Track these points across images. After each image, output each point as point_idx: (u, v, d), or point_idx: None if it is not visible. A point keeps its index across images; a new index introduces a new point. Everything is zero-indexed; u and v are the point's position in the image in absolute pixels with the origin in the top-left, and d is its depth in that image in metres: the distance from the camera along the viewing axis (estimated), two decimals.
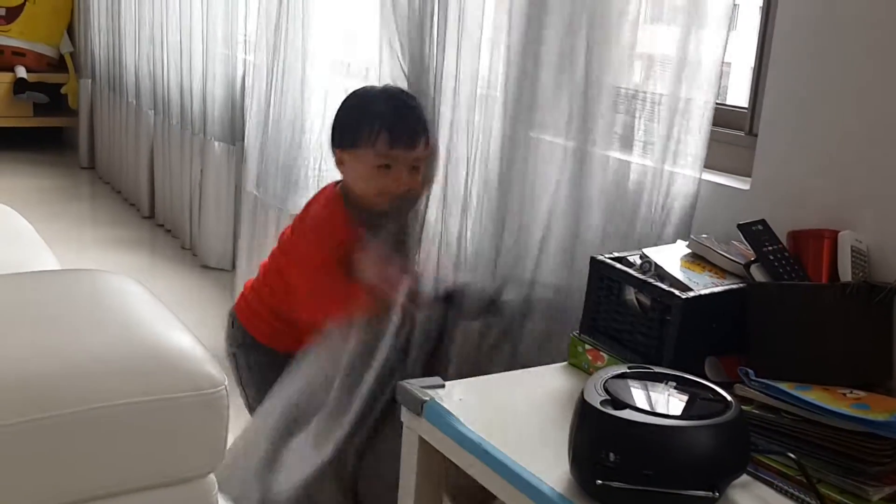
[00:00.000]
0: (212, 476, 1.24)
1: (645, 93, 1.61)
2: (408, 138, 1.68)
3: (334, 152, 1.74)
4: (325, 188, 1.81)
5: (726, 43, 1.54)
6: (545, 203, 1.82)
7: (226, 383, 1.20)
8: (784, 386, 1.21)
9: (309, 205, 1.80)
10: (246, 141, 3.04)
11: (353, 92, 1.77)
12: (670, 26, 1.57)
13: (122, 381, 1.15)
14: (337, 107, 1.77)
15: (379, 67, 2.00)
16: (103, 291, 1.39)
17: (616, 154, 1.69)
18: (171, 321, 1.32)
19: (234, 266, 3.46)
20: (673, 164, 1.59)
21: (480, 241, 1.94)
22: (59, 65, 5.63)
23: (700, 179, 1.60)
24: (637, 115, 1.63)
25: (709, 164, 1.69)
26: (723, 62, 1.54)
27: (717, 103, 1.78)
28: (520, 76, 1.85)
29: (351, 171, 1.71)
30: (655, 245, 1.59)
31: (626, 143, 1.66)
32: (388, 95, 1.74)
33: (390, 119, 1.67)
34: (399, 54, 1.87)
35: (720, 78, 1.55)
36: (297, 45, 2.58)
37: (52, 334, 1.23)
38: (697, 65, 1.54)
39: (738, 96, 1.74)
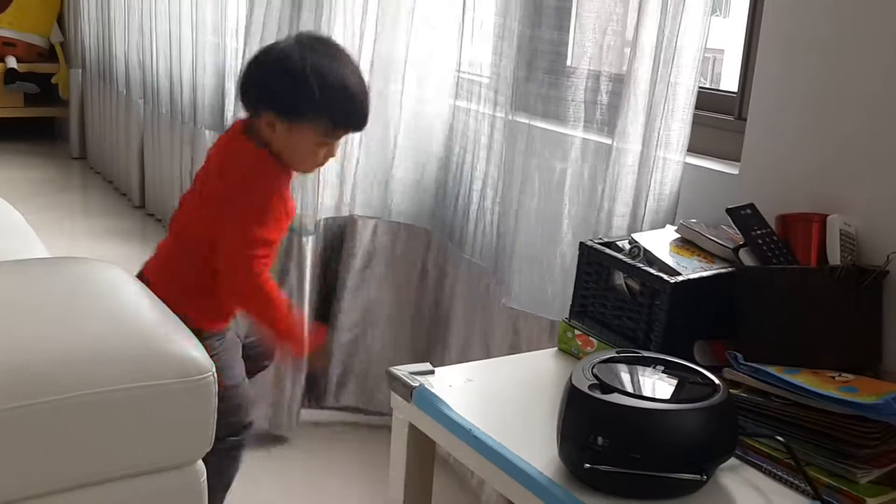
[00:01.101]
0: (200, 462, 1.24)
1: (627, 76, 1.61)
2: (359, 122, 1.63)
3: (260, 113, 1.59)
4: (241, 143, 1.64)
5: (708, 27, 1.54)
6: (530, 188, 1.83)
7: (213, 370, 1.20)
8: (772, 369, 1.21)
9: (234, 163, 1.64)
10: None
11: (283, 52, 1.59)
12: (653, 10, 1.56)
13: (109, 368, 1.15)
14: (259, 61, 1.62)
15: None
16: (90, 279, 1.38)
17: (599, 138, 1.69)
18: (159, 308, 1.31)
19: None
20: (656, 148, 1.59)
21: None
22: (49, 55, 5.60)
23: (684, 163, 1.60)
24: (619, 98, 1.63)
25: (698, 149, 1.69)
26: (704, 46, 1.54)
27: (707, 88, 1.79)
28: (502, 60, 1.86)
29: (285, 142, 1.59)
30: (641, 230, 1.59)
31: (609, 128, 1.66)
32: (345, 70, 1.59)
33: (348, 104, 1.58)
34: None
35: (701, 62, 1.55)
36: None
37: (39, 322, 1.22)
38: (680, 49, 1.54)
39: (731, 83, 1.74)
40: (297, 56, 1.58)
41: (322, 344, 1.72)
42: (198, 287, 1.65)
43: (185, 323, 1.59)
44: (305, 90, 1.55)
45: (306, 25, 2.15)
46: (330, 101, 1.57)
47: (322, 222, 2.25)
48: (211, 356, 1.63)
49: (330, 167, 2.09)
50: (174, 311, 1.55)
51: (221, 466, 1.71)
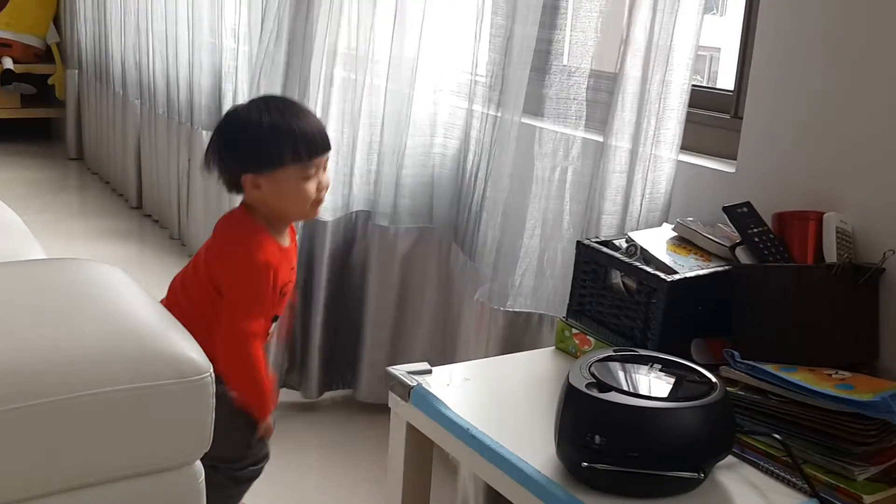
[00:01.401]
0: (198, 463, 1.23)
1: (621, 75, 1.61)
2: (321, 140, 1.64)
3: (241, 179, 1.63)
4: (234, 214, 1.69)
5: (700, 24, 1.54)
6: (518, 181, 1.83)
7: (210, 370, 1.20)
8: (769, 367, 1.21)
9: (222, 233, 1.69)
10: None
11: (236, 114, 1.67)
12: (646, 8, 1.57)
13: (106, 369, 1.15)
14: (225, 132, 1.67)
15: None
16: (87, 280, 1.38)
17: (592, 136, 1.69)
18: (156, 309, 1.31)
19: None
20: (651, 146, 1.59)
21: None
22: (45, 55, 5.60)
23: (678, 161, 1.60)
24: (613, 97, 1.63)
25: (695, 148, 1.70)
26: (697, 44, 1.55)
27: (703, 87, 1.79)
28: (498, 60, 1.86)
29: (275, 193, 1.62)
30: (637, 228, 1.59)
31: (602, 126, 1.66)
32: (279, 105, 1.65)
33: (301, 129, 1.61)
34: None
35: (694, 60, 1.55)
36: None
37: (35, 323, 1.22)
38: (673, 47, 1.54)
39: (728, 81, 1.74)
40: (252, 113, 1.63)
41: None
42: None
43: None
44: (266, 140, 1.60)
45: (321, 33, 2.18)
46: (291, 140, 1.60)
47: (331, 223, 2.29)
48: (227, 396, 1.66)
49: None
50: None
51: (232, 493, 1.73)
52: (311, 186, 1.63)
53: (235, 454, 1.69)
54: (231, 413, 1.60)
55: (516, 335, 1.85)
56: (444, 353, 2.18)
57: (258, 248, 1.62)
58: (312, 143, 1.62)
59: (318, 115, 2.36)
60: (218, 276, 1.64)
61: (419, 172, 2.20)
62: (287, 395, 2.41)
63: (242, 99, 2.95)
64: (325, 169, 1.67)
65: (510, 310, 1.82)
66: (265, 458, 1.75)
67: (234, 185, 1.66)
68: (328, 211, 2.29)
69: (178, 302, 1.69)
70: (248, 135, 1.61)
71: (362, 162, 2.31)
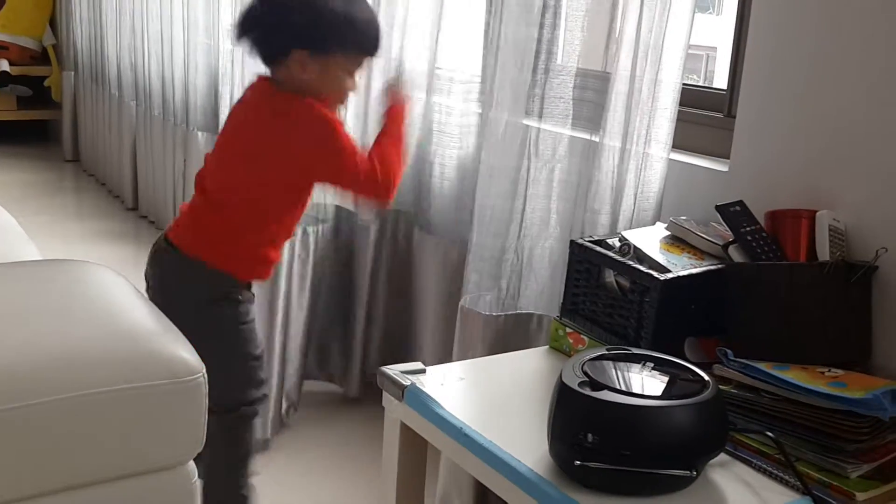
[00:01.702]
0: (191, 463, 1.24)
1: (612, 74, 1.61)
2: (378, 48, 1.64)
3: (288, 55, 1.58)
4: (282, 98, 1.62)
5: (692, 24, 1.54)
6: (508, 180, 1.83)
7: (203, 370, 1.20)
8: (762, 365, 1.21)
9: (287, 119, 1.61)
10: None
11: None
12: (637, 8, 1.57)
13: (99, 370, 1.15)
14: (274, 3, 1.60)
15: None
16: (81, 281, 1.38)
17: (583, 135, 1.69)
18: (149, 310, 1.31)
19: None
20: (641, 145, 1.59)
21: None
22: (41, 57, 5.59)
23: (669, 160, 1.60)
24: (604, 96, 1.63)
25: (689, 146, 1.70)
26: (688, 43, 1.55)
27: (696, 86, 1.79)
28: (487, 59, 1.86)
29: (319, 78, 1.59)
30: (629, 227, 1.60)
31: (594, 125, 1.66)
32: (360, 2, 1.63)
33: (370, 24, 1.60)
34: None
35: (685, 59, 1.56)
36: None
37: (29, 324, 1.22)
38: (665, 46, 1.55)
39: (725, 81, 1.75)
40: None
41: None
42: (244, 243, 1.67)
43: (231, 279, 1.65)
44: (333, 22, 1.57)
45: None
46: (355, 30, 1.59)
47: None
48: (243, 322, 1.67)
49: None
50: (218, 270, 1.63)
51: (237, 436, 1.73)
52: (351, 82, 1.63)
53: (243, 387, 1.69)
54: (238, 341, 1.65)
55: (507, 337, 1.85)
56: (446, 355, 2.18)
57: (321, 112, 1.60)
58: (375, 42, 1.62)
59: None
60: (304, 160, 1.61)
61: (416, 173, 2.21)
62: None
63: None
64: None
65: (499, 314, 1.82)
66: (264, 396, 1.75)
67: (272, 58, 1.62)
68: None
69: (222, 203, 1.67)
70: (316, 13, 1.57)
71: None
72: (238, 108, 1.71)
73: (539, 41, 1.75)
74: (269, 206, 1.67)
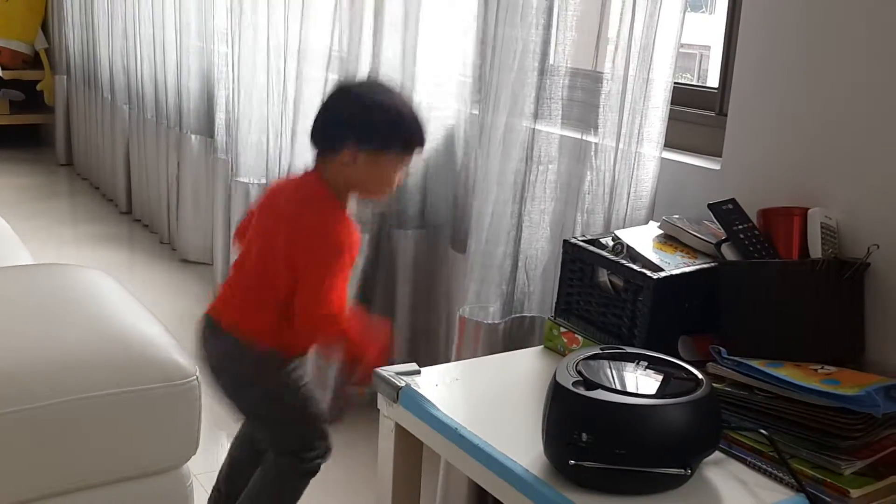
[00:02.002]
0: (186, 466, 1.24)
1: (603, 73, 1.61)
2: (425, 136, 1.68)
3: (339, 151, 1.63)
4: (309, 186, 1.68)
5: (683, 23, 1.54)
6: (507, 184, 1.84)
7: (197, 374, 1.20)
8: (756, 363, 1.22)
9: (299, 207, 1.67)
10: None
11: (351, 91, 1.71)
12: (629, 7, 1.57)
13: (93, 374, 1.15)
14: (332, 104, 1.68)
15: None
16: (74, 285, 1.38)
17: (575, 135, 1.70)
18: (142, 314, 1.31)
19: (213, 260, 3.44)
20: (633, 144, 1.60)
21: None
22: (34, 61, 5.59)
23: (661, 159, 1.60)
24: (596, 95, 1.63)
25: (681, 145, 1.70)
26: (679, 42, 1.55)
27: (688, 85, 1.79)
28: (481, 60, 1.86)
29: (366, 172, 1.63)
30: (622, 226, 1.60)
31: (586, 124, 1.66)
32: (393, 93, 1.70)
33: (416, 122, 1.65)
34: None
35: (676, 58, 1.56)
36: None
37: (22, 328, 1.22)
38: (656, 45, 1.55)
39: (717, 79, 1.75)
40: (369, 93, 1.68)
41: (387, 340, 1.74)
42: (279, 321, 1.66)
43: (273, 356, 1.63)
44: (384, 119, 1.63)
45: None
46: (404, 127, 1.64)
47: None
48: (300, 386, 1.67)
49: None
50: (259, 348, 1.61)
51: (289, 484, 1.74)
52: (398, 175, 1.66)
53: (305, 442, 1.70)
54: (302, 400, 1.65)
55: (503, 339, 1.85)
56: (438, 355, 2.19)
57: (343, 230, 1.62)
58: (421, 138, 1.66)
59: None
60: (296, 254, 1.61)
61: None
62: None
63: (236, 104, 2.95)
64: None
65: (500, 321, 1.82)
66: (328, 450, 1.75)
67: (325, 153, 1.66)
68: None
69: (250, 284, 1.68)
70: (368, 110, 1.63)
71: None
72: (275, 191, 1.76)
73: (531, 42, 1.75)
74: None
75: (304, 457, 1.71)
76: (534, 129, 1.77)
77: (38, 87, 5.54)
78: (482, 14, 1.90)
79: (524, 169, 1.78)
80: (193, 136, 3.54)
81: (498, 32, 1.80)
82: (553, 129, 1.73)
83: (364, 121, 1.63)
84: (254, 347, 1.63)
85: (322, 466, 1.75)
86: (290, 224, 1.65)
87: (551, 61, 1.73)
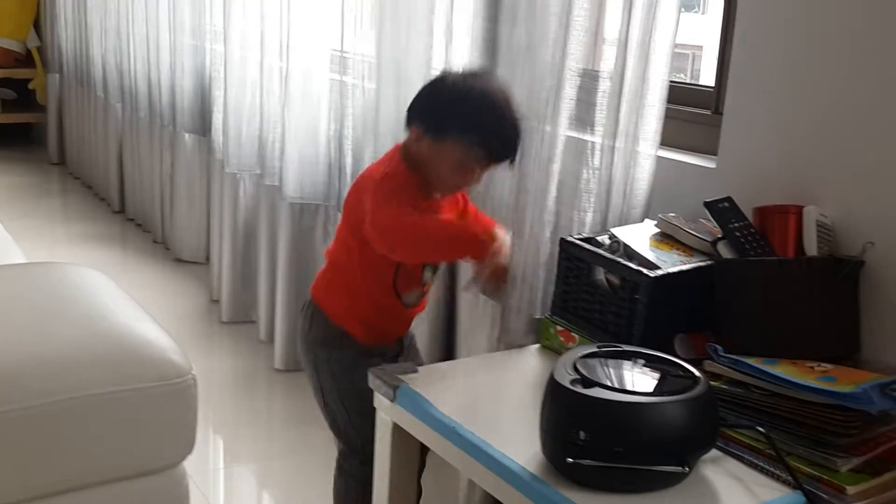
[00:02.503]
0: (183, 465, 1.23)
1: (599, 72, 1.61)
2: (505, 157, 1.61)
3: (411, 130, 1.62)
4: (386, 156, 1.68)
5: (678, 21, 1.54)
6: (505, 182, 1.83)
7: (192, 372, 1.20)
8: (752, 361, 1.22)
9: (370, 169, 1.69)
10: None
11: (459, 79, 1.63)
12: (624, 6, 1.57)
13: (87, 373, 1.14)
14: (431, 84, 1.65)
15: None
16: (68, 284, 1.38)
17: (572, 133, 1.69)
18: (137, 312, 1.31)
19: (207, 259, 3.44)
20: (629, 142, 1.60)
21: None
22: (26, 60, 5.57)
23: (657, 157, 1.60)
24: (592, 94, 1.63)
25: (677, 144, 1.70)
26: (674, 41, 1.55)
27: (684, 83, 1.79)
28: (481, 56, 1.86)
29: (428, 156, 1.59)
30: (619, 224, 1.60)
31: (583, 123, 1.66)
32: (499, 101, 1.59)
33: (497, 135, 1.57)
34: None
35: (672, 57, 1.56)
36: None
37: (17, 327, 1.22)
38: (652, 44, 1.55)
39: (711, 78, 1.75)
40: (460, 82, 1.61)
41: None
42: (361, 305, 1.65)
43: (355, 342, 1.63)
44: (455, 110, 1.57)
45: None
46: (478, 127, 1.56)
47: None
48: (359, 384, 1.60)
49: None
50: (347, 333, 1.61)
51: (352, 486, 1.71)
52: (466, 177, 1.60)
53: (352, 441, 1.67)
54: (352, 398, 1.61)
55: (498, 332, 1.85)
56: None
57: (400, 171, 1.58)
58: (501, 146, 1.58)
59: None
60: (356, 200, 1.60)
61: None
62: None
63: (235, 101, 2.95)
64: (487, 171, 1.63)
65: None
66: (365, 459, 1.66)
67: (407, 124, 1.63)
68: None
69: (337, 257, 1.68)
70: (439, 95, 1.59)
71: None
72: (363, 173, 1.74)
73: (526, 39, 1.75)
74: (352, 256, 1.64)
75: (349, 458, 1.67)
76: (544, 129, 1.77)
77: (31, 86, 5.52)
78: (476, 13, 1.89)
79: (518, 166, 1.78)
80: (187, 135, 3.53)
81: (496, 31, 1.80)
82: (548, 127, 1.73)
83: (431, 102, 1.60)
84: (331, 327, 1.62)
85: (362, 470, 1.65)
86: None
87: (546, 59, 1.73)
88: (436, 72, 2.06)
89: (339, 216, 1.76)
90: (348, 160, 2.42)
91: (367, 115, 2.23)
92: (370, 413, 1.41)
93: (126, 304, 1.31)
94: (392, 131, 2.16)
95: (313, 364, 1.66)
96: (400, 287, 1.64)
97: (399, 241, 1.55)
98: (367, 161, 2.24)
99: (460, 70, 1.68)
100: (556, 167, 1.73)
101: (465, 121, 1.56)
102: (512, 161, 1.62)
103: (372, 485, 1.44)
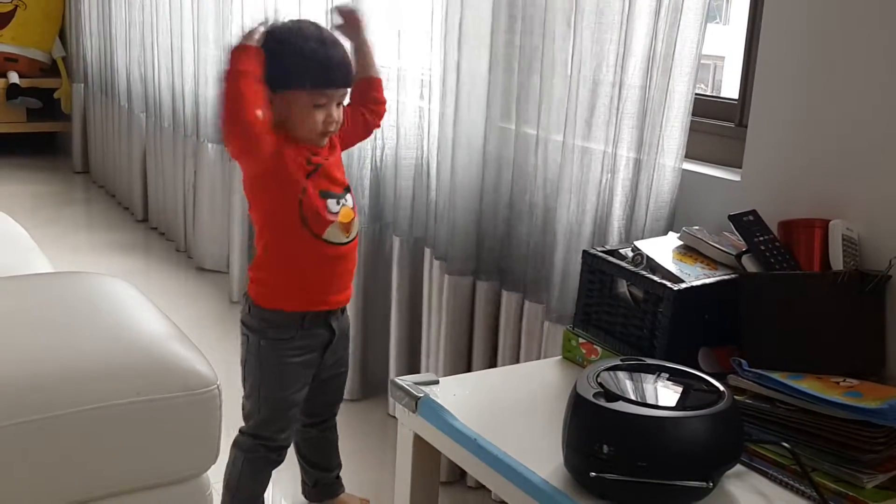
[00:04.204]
0: (206, 475, 1.24)
1: (625, 84, 1.61)
2: (339, 74, 1.65)
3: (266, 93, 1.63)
4: None
5: (703, 34, 1.54)
6: (527, 193, 1.83)
7: (217, 383, 1.20)
8: (777, 375, 1.21)
9: None
10: None
11: (269, 32, 1.65)
12: (649, 18, 1.57)
13: (113, 383, 1.15)
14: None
15: None
16: (94, 293, 1.39)
17: (596, 145, 1.69)
18: (163, 322, 1.32)
19: (230, 267, 3.45)
20: (653, 155, 1.59)
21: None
22: (51, 70, 5.62)
23: (682, 170, 1.60)
24: (617, 106, 1.63)
25: (700, 156, 1.70)
26: (700, 53, 1.55)
27: (708, 96, 1.79)
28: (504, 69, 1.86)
29: (285, 114, 1.64)
30: (642, 237, 1.59)
31: (606, 135, 1.66)
32: (311, 33, 1.65)
33: (321, 57, 1.63)
34: None
35: (698, 69, 1.56)
36: None
37: (43, 337, 1.23)
38: (676, 57, 1.55)
39: (732, 89, 1.75)
40: (275, 34, 1.64)
41: None
42: (289, 268, 1.70)
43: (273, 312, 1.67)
44: (282, 59, 1.62)
45: None
46: (304, 63, 1.62)
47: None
48: (280, 362, 1.67)
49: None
50: (281, 311, 1.66)
51: (238, 464, 1.73)
52: (319, 116, 1.64)
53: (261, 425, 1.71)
54: (271, 378, 1.65)
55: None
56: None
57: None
58: (326, 74, 1.63)
59: None
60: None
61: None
62: None
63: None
64: (339, 104, 1.67)
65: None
66: (280, 446, 1.75)
67: None
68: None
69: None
70: (271, 53, 1.62)
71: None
72: None
73: (552, 52, 1.75)
74: (260, 228, 1.71)
75: (254, 439, 1.70)
76: (552, 139, 1.77)
77: (56, 95, 5.57)
78: (499, 27, 1.89)
79: (542, 179, 1.78)
80: (210, 145, 3.55)
81: (521, 43, 1.80)
82: (572, 140, 1.73)
83: (266, 63, 1.62)
84: (263, 311, 1.67)
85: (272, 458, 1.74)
86: None
87: (570, 72, 1.73)
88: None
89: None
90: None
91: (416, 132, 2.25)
92: (280, 402, 1.64)
93: (151, 314, 1.32)
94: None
95: (245, 348, 1.71)
96: (311, 224, 1.66)
97: (225, 111, 1.59)
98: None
99: (277, 24, 1.69)
100: (580, 179, 1.73)
101: (281, 63, 1.61)
102: (347, 84, 1.66)
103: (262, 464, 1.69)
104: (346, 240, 1.70)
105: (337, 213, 1.68)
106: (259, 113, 1.56)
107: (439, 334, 2.13)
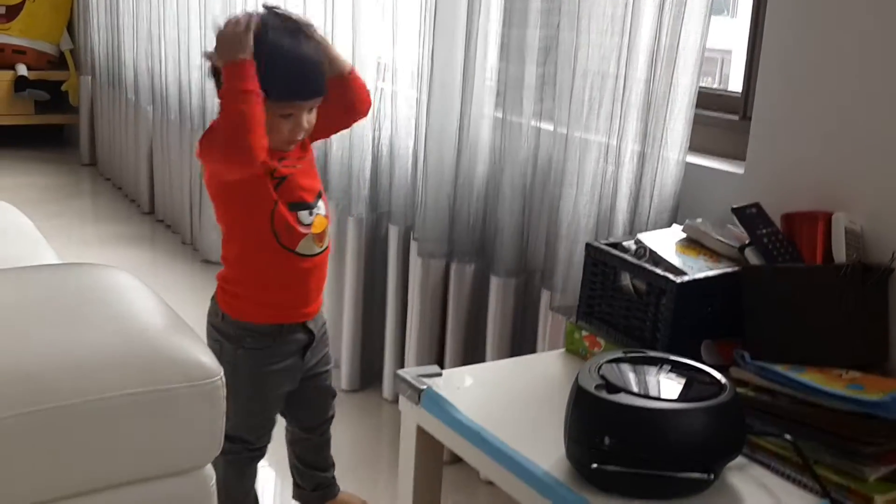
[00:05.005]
0: (209, 466, 1.24)
1: (627, 77, 1.61)
2: (310, 90, 1.58)
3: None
4: None
5: (707, 27, 1.54)
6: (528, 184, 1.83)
7: (221, 374, 1.21)
8: (779, 368, 1.21)
9: None
10: None
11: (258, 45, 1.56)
12: (653, 11, 1.57)
13: (117, 373, 1.15)
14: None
15: None
16: (98, 285, 1.39)
17: (600, 138, 1.69)
18: (167, 313, 1.32)
19: None
20: (657, 148, 1.59)
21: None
22: (59, 62, 5.63)
23: (685, 163, 1.60)
24: (620, 99, 1.63)
25: (705, 149, 1.70)
26: (704, 46, 1.55)
27: (712, 89, 1.79)
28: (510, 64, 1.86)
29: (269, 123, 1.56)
30: (645, 230, 1.59)
31: (609, 127, 1.66)
32: (282, 39, 1.56)
33: (294, 70, 1.55)
34: None
35: (701, 63, 1.55)
36: None
37: (47, 327, 1.23)
38: (680, 50, 1.54)
39: (740, 83, 1.74)
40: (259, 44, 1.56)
41: None
42: (259, 281, 1.68)
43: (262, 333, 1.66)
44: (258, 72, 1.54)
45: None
46: (272, 75, 1.53)
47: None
48: (257, 370, 1.65)
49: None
50: (252, 324, 1.66)
51: (247, 472, 1.75)
52: (286, 126, 1.58)
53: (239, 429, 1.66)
54: (245, 385, 1.62)
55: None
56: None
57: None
58: (295, 86, 1.56)
59: None
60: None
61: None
62: None
63: None
64: (310, 111, 1.60)
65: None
66: (258, 451, 1.75)
67: None
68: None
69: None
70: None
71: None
72: None
73: (557, 45, 1.75)
74: (228, 238, 1.72)
75: (238, 445, 1.67)
76: (551, 130, 1.77)
77: (63, 88, 5.58)
78: (503, 19, 1.89)
79: (545, 171, 1.78)
80: None
81: (523, 35, 1.80)
82: (576, 133, 1.73)
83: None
84: (235, 323, 1.68)
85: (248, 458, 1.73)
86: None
87: (574, 64, 1.73)
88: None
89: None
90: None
91: (410, 122, 2.25)
92: (260, 408, 1.65)
93: (156, 305, 1.32)
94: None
95: (218, 353, 1.62)
96: (283, 239, 1.61)
97: (225, 133, 1.56)
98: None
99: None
100: (583, 171, 1.73)
101: (262, 69, 1.53)
102: (317, 94, 1.59)
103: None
104: (319, 250, 1.66)
105: (310, 224, 1.63)
106: (265, 141, 1.52)
107: (446, 328, 2.14)
